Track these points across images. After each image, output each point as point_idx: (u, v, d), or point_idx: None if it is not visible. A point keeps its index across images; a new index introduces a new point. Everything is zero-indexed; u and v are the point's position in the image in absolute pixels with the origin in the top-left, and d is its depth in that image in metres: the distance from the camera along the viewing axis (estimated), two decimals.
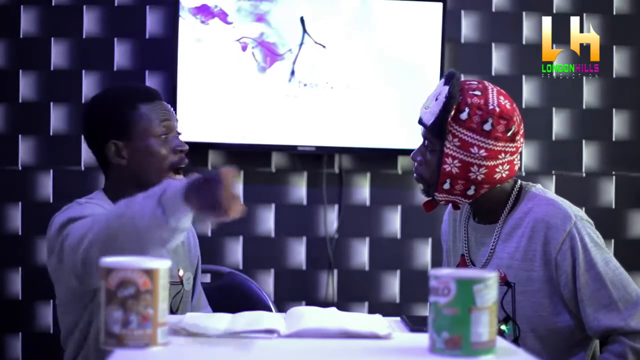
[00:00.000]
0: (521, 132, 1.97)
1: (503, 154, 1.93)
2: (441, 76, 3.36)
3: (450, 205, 2.14)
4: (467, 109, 1.91)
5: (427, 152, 1.98)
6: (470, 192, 1.95)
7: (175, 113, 2.09)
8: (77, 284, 1.83)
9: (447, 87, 1.92)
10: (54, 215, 1.95)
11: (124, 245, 1.62)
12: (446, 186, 1.95)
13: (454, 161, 1.92)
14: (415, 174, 2.03)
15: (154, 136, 2.01)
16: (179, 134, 2.09)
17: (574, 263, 1.90)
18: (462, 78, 2.01)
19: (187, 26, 3.32)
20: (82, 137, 2.17)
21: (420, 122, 1.99)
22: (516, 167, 1.98)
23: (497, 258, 2.00)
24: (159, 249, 1.62)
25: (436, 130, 1.93)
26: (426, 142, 1.99)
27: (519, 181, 2.05)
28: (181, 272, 2.12)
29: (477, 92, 1.93)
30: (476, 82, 1.97)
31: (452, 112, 1.91)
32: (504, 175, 1.95)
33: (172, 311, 2.09)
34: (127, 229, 1.63)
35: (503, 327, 1.97)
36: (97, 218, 1.74)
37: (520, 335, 1.96)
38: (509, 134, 1.92)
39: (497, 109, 1.91)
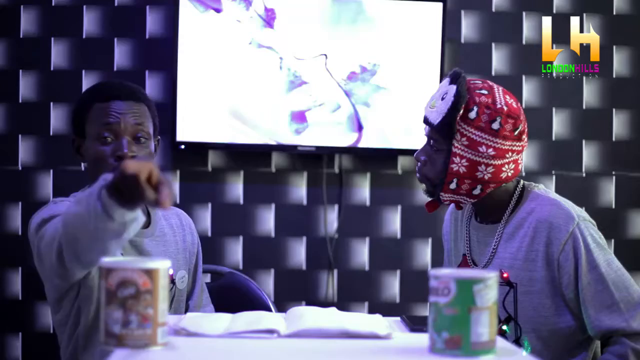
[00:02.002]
0: (526, 131, 1.97)
1: (510, 153, 1.93)
2: (441, 76, 3.36)
3: (452, 205, 2.14)
4: (475, 108, 1.90)
5: (433, 151, 1.97)
6: (476, 191, 1.95)
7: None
8: (60, 281, 1.89)
9: (453, 86, 1.91)
10: (32, 215, 1.98)
11: (84, 241, 1.64)
12: (452, 185, 1.94)
13: (462, 160, 1.91)
14: (418, 174, 2.02)
15: (94, 137, 2.01)
16: (141, 138, 2.03)
17: (577, 263, 1.90)
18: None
19: (187, 18, 3.32)
20: None
21: (426, 121, 1.98)
22: (520, 166, 1.98)
23: (499, 258, 2.00)
24: (118, 240, 1.61)
25: (444, 130, 1.92)
26: (431, 141, 1.97)
27: (522, 181, 2.05)
28: (170, 271, 2.11)
29: (484, 91, 1.93)
30: (481, 82, 1.97)
31: (461, 111, 1.90)
32: (509, 174, 1.95)
33: None
34: (79, 228, 1.63)
35: (504, 327, 1.97)
36: (60, 217, 1.77)
37: (522, 335, 1.95)
38: (516, 132, 1.92)
39: (505, 108, 1.91)
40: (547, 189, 2.05)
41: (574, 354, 1.97)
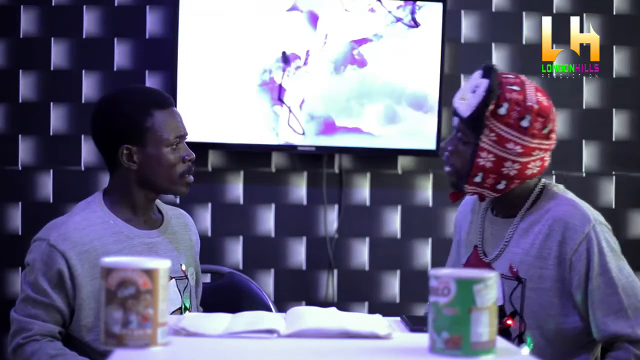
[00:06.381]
0: (555, 129, 1.96)
1: (537, 151, 1.92)
2: (441, 76, 3.37)
3: (466, 196, 2.14)
4: (505, 104, 1.89)
5: (460, 143, 1.96)
6: (501, 186, 1.95)
7: None
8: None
9: (485, 80, 1.90)
10: (35, 237, 2.05)
11: None
12: (477, 179, 1.94)
13: (489, 155, 1.91)
14: (446, 164, 2.01)
15: (166, 145, 2.06)
16: (186, 134, 2.15)
17: (589, 265, 1.90)
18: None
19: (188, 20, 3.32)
20: (89, 137, 2.18)
21: (456, 113, 1.97)
22: (546, 164, 1.98)
23: (510, 252, 1.99)
24: None
25: (472, 123, 1.91)
26: (459, 134, 1.97)
27: (542, 179, 2.05)
28: (184, 267, 2.15)
29: (516, 87, 1.92)
30: (513, 76, 1.96)
31: (491, 107, 1.90)
32: (534, 171, 1.95)
33: (186, 307, 2.12)
34: None
35: (509, 321, 1.96)
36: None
37: (526, 331, 1.95)
38: (545, 131, 1.92)
39: (536, 106, 1.90)
40: (566, 190, 2.05)
41: (575, 355, 1.97)
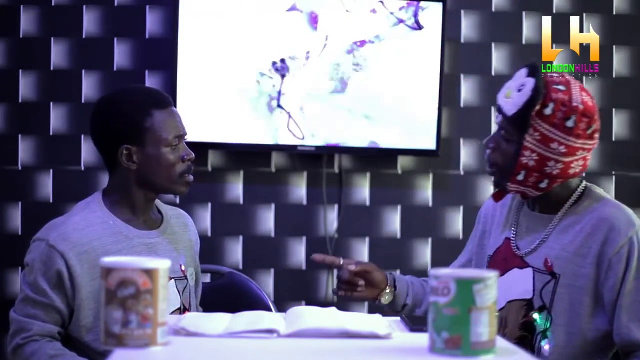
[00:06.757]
0: (599, 129, 1.96)
1: (581, 151, 1.92)
2: (441, 76, 3.37)
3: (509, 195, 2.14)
4: (551, 105, 1.89)
5: (503, 141, 1.97)
6: (543, 185, 1.95)
7: None
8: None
9: (532, 80, 1.90)
10: (34, 237, 2.05)
11: None
12: (520, 177, 1.95)
13: (533, 155, 1.92)
14: (489, 162, 2.02)
15: (165, 145, 2.06)
16: (185, 134, 2.15)
17: (627, 268, 1.90)
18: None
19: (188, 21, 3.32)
20: (89, 137, 2.18)
21: (500, 111, 1.97)
22: (588, 163, 1.98)
23: (547, 247, 2.00)
24: None
25: (517, 122, 1.91)
26: (502, 131, 1.97)
27: (584, 181, 2.05)
28: (183, 267, 2.15)
29: (562, 87, 1.92)
30: (558, 75, 1.96)
31: (537, 107, 1.90)
32: (577, 170, 1.96)
33: (186, 308, 2.12)
34: None
35: (536, 315, 1.96)
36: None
37: (552, 327, 1.95)
38: (590, 131, 1.92)
39: (581, 107, 1.90)
40: (606, 194, 2.05)
41: (593, 358, 1.96)
